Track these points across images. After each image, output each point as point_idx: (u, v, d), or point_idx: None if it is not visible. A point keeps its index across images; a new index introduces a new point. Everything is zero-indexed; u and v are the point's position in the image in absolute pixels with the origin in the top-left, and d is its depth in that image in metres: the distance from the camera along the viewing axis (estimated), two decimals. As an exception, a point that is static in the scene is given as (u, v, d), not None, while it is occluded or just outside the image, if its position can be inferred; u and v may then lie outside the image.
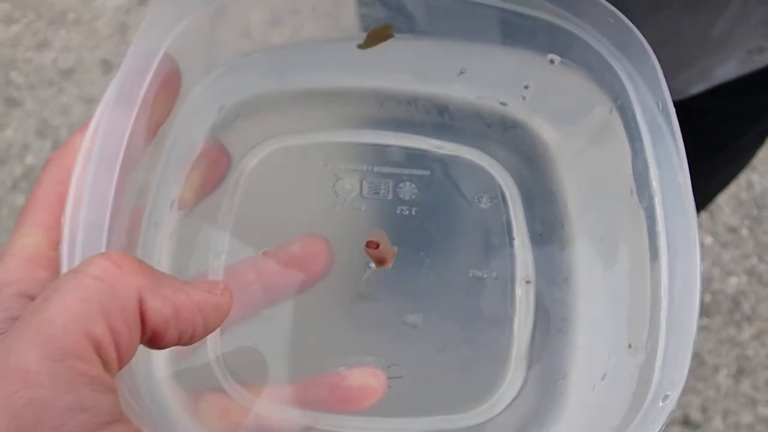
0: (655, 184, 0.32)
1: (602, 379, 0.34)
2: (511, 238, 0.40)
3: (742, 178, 1.77)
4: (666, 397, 0.28)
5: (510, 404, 0.37)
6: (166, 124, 0.34)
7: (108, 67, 1.88)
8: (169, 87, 0.33)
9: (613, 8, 0.33)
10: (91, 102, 1.82)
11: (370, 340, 0.39)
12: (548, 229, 0.40)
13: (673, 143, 0.32)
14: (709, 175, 0.84)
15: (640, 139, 0.33)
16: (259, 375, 0.37)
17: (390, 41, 0.38)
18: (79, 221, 0.27)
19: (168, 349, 0.30)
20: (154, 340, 0.25)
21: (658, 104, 0.32)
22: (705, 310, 1.61)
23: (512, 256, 0.40)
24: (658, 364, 0.29)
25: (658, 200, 0.31)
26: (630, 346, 0.32)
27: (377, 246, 0.38)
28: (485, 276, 0.39)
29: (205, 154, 0.38)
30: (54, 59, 1.88)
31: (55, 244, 0.27)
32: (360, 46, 0.38)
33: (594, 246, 0.38)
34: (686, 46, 0.56)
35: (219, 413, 0.35)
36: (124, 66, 0.30)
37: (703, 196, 0.91)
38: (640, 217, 0.33)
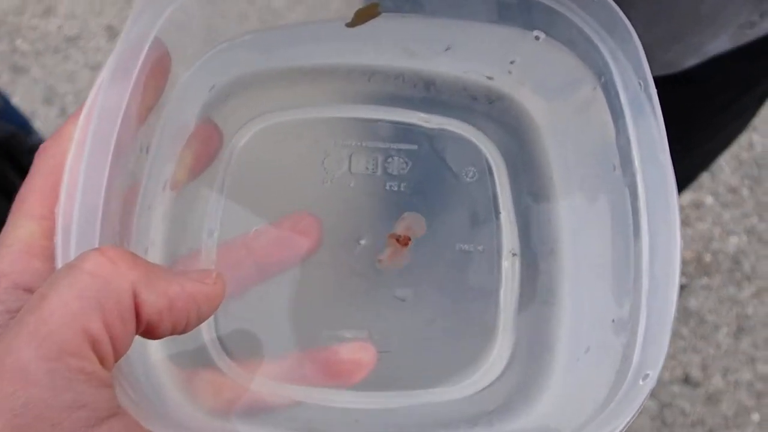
0: (637, 162, 0.32)
1: (586, 352, 0.34)
2: (497, 211, 0.40)
3: (743, 139, 1.76)
4: (646, 375, 0.28)
5: (498, 377, 0.37)
6: (157, 107, 0.34)
7: (113, 33, 1.87)
8: (159, 71, 0.33)
9: None
10: (97, 68, 1.81)
11: (361, 314, 0.39)
12: (534, 202, 0.40)
13: (655, 122, 0.32)
14: (712, 135, 0.85)
15: (623, 117, 0.33)
16: (252, 352, 0.36)
17: (377, 19, 0.37)
18: (73, 210, 0.27)
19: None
20: (149, 331, 0.25)
21: (640, 84, 0.33)
22: (705, 270, 1.62)
23: (499, 228, 0.40)
24: (639, 342, 0.29)
25: (639, 178, 0.32)
26: (613, 321, 0.32)
27: (406, 243, 0.39)
28: (472, 249, 0.39)
29: (197, 133, 0.38)
30: (59, 26, 1.86)
31: (50, 234, 0.27)
32: (348, 25, 0.38)
33: (580, 219, 0.38)
34: (677, 22, 0.56)
35: (213, 390, 0.34)
36: (115, 53, 0.29)
37: (705, 156, 0.92)
38: (624, 194, 0.33)
